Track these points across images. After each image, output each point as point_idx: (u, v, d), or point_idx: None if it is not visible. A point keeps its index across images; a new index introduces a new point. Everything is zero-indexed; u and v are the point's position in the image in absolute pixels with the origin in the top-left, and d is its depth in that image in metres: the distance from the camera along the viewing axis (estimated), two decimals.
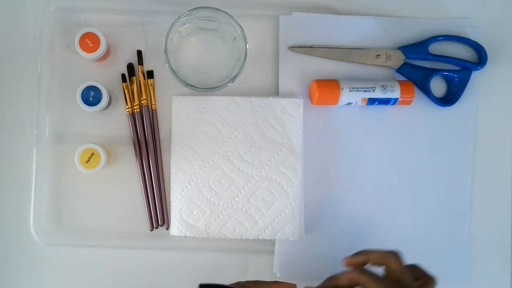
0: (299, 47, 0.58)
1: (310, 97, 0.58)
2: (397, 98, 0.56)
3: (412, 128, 0.59)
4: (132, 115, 0.57)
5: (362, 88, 0.56)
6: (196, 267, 0.58)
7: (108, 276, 0.58)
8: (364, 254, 0.48)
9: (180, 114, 0.58)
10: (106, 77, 0.58)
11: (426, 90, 0.59)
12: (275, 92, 0.59)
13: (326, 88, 0.56)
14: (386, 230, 0.58)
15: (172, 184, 0.57)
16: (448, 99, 0.59)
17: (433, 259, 0.58)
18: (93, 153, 0.54)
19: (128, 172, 0.58)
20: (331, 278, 0.48)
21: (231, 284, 0.46)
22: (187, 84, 0.53)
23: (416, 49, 0.59)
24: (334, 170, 0.59)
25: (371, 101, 0.57)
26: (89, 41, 0.54)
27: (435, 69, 0.59)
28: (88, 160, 0.54)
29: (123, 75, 0.58)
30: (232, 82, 0.53)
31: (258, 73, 0.59)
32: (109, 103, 0.57)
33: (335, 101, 0.56)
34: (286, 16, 0.59)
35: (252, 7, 0.59)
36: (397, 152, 0.59)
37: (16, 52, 0.58)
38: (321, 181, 0.58)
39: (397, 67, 0.59)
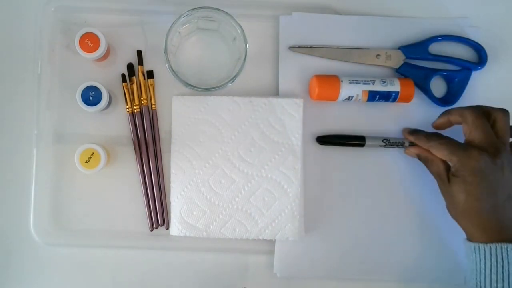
0: (299, 47, 0.58)
1: (310, 92, 0.58)
2: (398, 92, 0.56)
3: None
4: (132, 115, 0.57)
5: (362, 80, 0.56)
6: (196, 267, 0.58)
7: (108, 276, 0.58)
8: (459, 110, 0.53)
9: (180, 114, 0.58)
10: (106, 77, 0.58)
11: (426, 90, 0.59)
12: (275, 92, 0.59)
13: (326, 82, 0.56)
14: (386, 229, 0.58)
15: (172, 184, 0.57)
16: (448, 99, 0.59)
17: (432, 259, 0.59)
18: (93, 153, 0.54)
19: (128, 172, 0.58)
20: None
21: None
22: (187, 84, 0.53)
23: (416, 49, 0.59)
24: (334, 170, 0.59)
25: (372, 97, 0.56)
26: (89, 41, 0.54)
27: (435, 69, 0.59)
28: (88, 160, 0.54)
29: (123, 75, 0.58)
30: (232, 82, 0.53)
31: (258, 73, 0.59)
32: (109, 103, 0.57)
33: (335, 95, 0.56)
34: (286, 16, 0.59)
35: (252, 7, 0.59)
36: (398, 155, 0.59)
37: (16, 52, 0.58)
38: (321, 181, 0.58)
39: (397, 67, 0.59)
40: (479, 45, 0.59)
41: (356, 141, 0.57)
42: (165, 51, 0.52)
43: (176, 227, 0.57)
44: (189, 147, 0.57)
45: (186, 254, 0.58)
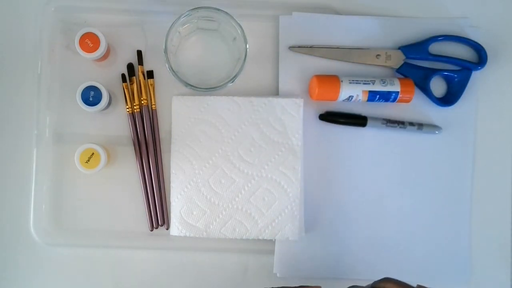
0: (299, 47, 0.58)
1: (310, 93, 0.58)
2: (398, 92, 0.56)
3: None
4: (132, 115, 0.57)
5: (362, 80, 0.56)
6: (196, 267, 0.58)
7: (108, 276, 0.58)
8: None
9: (180, 114, 0.58)
10: (106, 77, 0.58)
11: (426, 90, 0.59)
12: (275, 92, 0.59)
13: (326, 82, 0.56)
14: (386, 230, 0.58)
15: (172, 184, 0.57)
16: (448, 99, 0.59)
17: (433, 259, 0.59)
18: (93, 153, 0.54)
19: (128, 172, 0.58)
20: None
21: None
22: (187, 84, 0.53)
23: (416, 49, 0.59)
24: (334, 170, 0.59)
25: (372, 96, 0.56)
26: (89, 41, 0.54)
27: (435, 69, 0.59)
28: (88, 160, 0.54)
29: (123, 75, 0.58)
30: (232, 82, 0.53)
31: (258, 73, 0.59)
32: (109, 103, 0.57)
33: (335, 95, 0.56)
34: (286, 16, 0.59)
35: (252, 7, 0.59)
36: (396, 152, 0.59)
37: (16, 52, 0.58)
38: (321, 181, 0.58)
39: (397, 67, 0.59)
40: (479, 45, 0.59)
41: (357, 120, 0.58)
42: (165, 51, 0.52)
43: (176, 227, 0.57)
44: (189, 147, 0.57)
45: (186, 254, 0.58)
